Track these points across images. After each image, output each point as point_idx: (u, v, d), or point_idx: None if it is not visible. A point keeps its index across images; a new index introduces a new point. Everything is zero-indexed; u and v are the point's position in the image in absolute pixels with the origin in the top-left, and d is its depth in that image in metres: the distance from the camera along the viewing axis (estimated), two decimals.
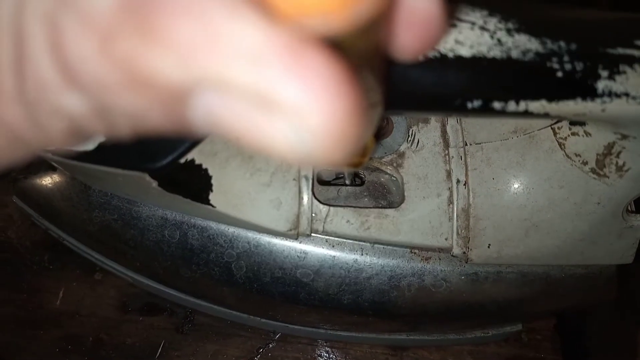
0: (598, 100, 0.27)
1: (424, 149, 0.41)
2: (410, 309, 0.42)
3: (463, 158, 0.39)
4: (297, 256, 0.40)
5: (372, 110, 0.20)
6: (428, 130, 0.41)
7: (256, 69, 0.10)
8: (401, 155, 0.41)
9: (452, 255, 0.40)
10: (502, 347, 0.49)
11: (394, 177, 0.41)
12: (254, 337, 0.51)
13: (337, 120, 0.10)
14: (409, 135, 0.41)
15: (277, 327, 0.50)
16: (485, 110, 0.27)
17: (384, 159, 0.41)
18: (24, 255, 0.53)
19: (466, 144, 0.40)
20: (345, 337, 0.49)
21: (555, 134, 0.37)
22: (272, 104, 0.10)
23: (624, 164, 0.34)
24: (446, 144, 0.40)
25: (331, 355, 0.49)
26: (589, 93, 0.27)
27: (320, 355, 0.49)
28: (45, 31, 0.11)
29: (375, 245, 0.40)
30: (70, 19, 0.11)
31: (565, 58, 0.27)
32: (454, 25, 0.26)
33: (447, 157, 0.40)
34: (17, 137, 0.12)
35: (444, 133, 0.41)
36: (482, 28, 0.26)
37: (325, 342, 0.50)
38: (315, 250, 0.40)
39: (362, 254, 0.40)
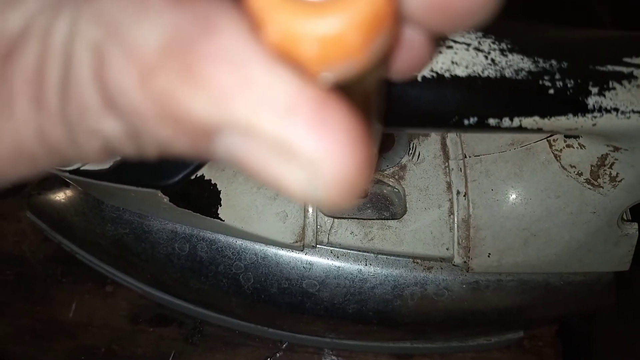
0: (589, 116, 0.28)
1: (425, 162, 0.42)
2: (413, 317, 0.43)
3: (463, 170, 0.41)
4: (303, 267, 0.42)
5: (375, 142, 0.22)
6: (428, 144, 0.42)
7: (282, 121, 0.11)
8: (403, 167, 0.42)
9: (454, 265, 0.41)
10: (505, 353, 0.50)
11: (396, 189, 0.43)
12: (261, 346, 0.52)
13: (349, 175, 0.11)
14: (410, 149, 0.43)
15: (284, 337, 0.51)
16: (481, 126, 0.28)
17: (386, 172, 0.42)
18: (38, 269, 0.54)
19: (465, 156, 0.41)
20: (350, 346, 0.50)
21: (551, 146, 0.38)
22: (292, 153, 0.11)
23: (617, 175, 0.35)
24: (446, 157, 0.42)
25: None
26: (580, 109, 0.28)
27: None
28: (91, 59, 0.12)
29: (379, 256, 0.42)
30: (116, 51, 0.12)
31: (557, 76, 0.28)
32: (450, 47, 0.27)
33: (447, 169, 0.41)
34: (55, 150, 0.13)
35: (444, 146, 0.42)
36: (477, 49, 0.27)
37: (332, 351, 0.51)
38: (320, 261, 0.41)
39: (366, 265, 0.41)
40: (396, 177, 0.42)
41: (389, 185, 0.43)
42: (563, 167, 0.37)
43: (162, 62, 0.11)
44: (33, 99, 0.12)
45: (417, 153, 0.42)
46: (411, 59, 0.16)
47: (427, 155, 0.42)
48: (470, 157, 0.41)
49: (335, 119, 0.11)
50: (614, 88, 0.29)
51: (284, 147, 0.11)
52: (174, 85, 0.11)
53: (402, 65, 0.16)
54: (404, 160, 0.42)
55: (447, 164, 0.41)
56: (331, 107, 0.11)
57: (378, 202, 0.43)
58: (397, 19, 0.12)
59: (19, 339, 0.51)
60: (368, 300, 0.42)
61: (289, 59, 0.11)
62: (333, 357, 0.50)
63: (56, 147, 0.13)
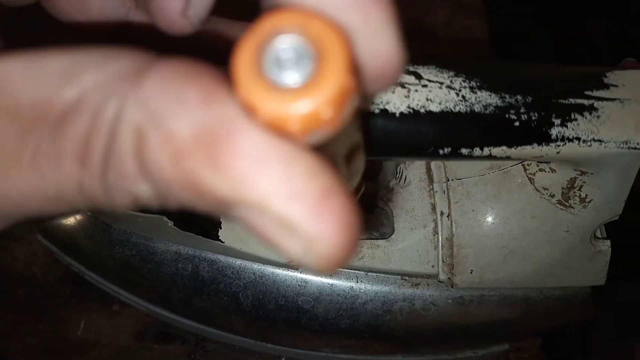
0: (552, 145, 0.31)
1: (411, 185, 0.45)
2: (403, 331, 0.45)
3: (446, 192, 0.43)
4: (298, 285, 0.44)
5: (358, 160, 0.25)
6: (414, 168, 0.45)
7: (289, 207, 0.13)
8: (390, 190, 0.45)
9: (439, 281, 0.43)
10: None
11: (384, 210, 0.45)
12: None
13: (338, 252, 0.14)
14: (397, 172, 0.45)
15: (282, 352, 0.52)
16: (455, 155, 0.31)
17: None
18: (48, 289, 0.54)
19: (448, 180, 0.43)
20: None
21: (525, 169, 0.40)
22: (293, 229, 0.13)
23: (586, 196, 0.38)
24: (430, 180, 0.44)
25: None
26: (544, 139, 0.31)
27: None
28: (133, 137, 0.14)
29: (369, 274, 0.44)
30: (154, 133, 0.13)
31: (522, 110, 0.31)
32: (424, 86, 0.30)
33: (431, 191, 0.44)
34: (91, 200, 0.15)
35: (428, 170, 0.45)
36: (449, 87, 0.30)
37: None
38: (314, 279, 0.44)
39: (357, 282, 0.44)
40: (384, 199, 0.45)
41: (379, 206, 0.46)
42: (537, 189, 0.40)
43: (192, 148, 0.13)
44: (78, 159, 0.14)
45: (403, 177, 0.45)
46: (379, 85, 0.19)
47: (413, 178, 0.45)
48: (452, 180, 0.43)
49: (332, 210, 0.13)
50: (575, 119, 0.32)
51: (288, 226, 0.13)
52: (200, 167, 0.13)
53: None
54: (391, 184, 0.45)
55: (431, 186, 0.44)
56: (330, 199, 0.13)
57: (369, 223, 0.46)
58: (359, 88, 0.15)
59: (30, 356, 0.52)
60: (360, 316, 0.44)
61: (279, 133, 0.14)
62: None
63: (92, 198, 0.15)
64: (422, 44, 0.69)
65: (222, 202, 0.14)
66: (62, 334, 0.53)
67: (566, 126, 0.31)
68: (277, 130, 0.14)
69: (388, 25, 0.15)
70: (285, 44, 0.14)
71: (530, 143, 0.31)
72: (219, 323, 0.50)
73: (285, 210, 0.13)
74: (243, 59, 0.13)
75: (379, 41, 0.15)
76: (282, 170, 0.13)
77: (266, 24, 0.14)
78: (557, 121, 0.31)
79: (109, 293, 0.52)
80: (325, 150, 0.15)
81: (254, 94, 0.13)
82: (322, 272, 0.14)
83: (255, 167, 0.13)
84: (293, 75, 0.13)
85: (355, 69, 0.14)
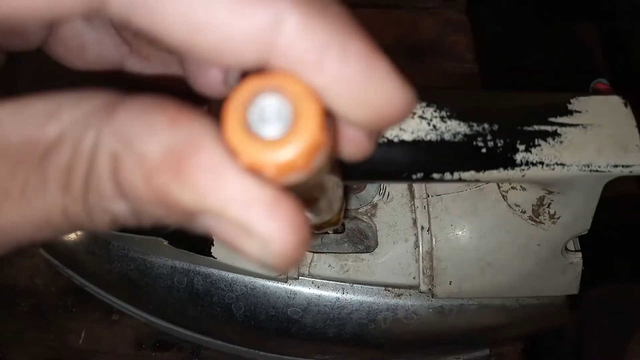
0: (517, 169, 0.33)
1: (394, 201, 0.47)
2: (387, 339, 0.47)
3: (426, 208, 0.45)
4: (287, 296, 0.46)
5: (335, 191, 0.27)
6: (397, 185, 0.47)
7: (244, 212, 0.15)
8: (374, 206, 0.47)
9: (420, 292, 0.45)
10: None
11: (369, 224, 0.48)
12: None
13: (289, 250, 0.16)
14: (380, 189, 0.47)
15: (274, 359, 0.53)
16: (427, 179, 0.33)
17: (360, 210, 0.47)
18: (50, 301, 0.56)
19: (428, 196, 0.45)
20: None
21: (499, 187, 0.42)
22: (249, 232, 0.15)
23: (555, 213, 0.40)
24: (412, 196, 0.46)
25: None
26: (509, 164, 0.33)
27: None
28: (110, 163, 0.15)
29: (354, 285, 0.46)
30: (128, 157, 0.15)
31: (489, 137, 0.33)
32: None
33: (413, 207, 0.46)
34: (74, 222, 0.17)
35: (410, 186, 0.46)
36: (421, 117, 0.33)
37: None
38: (302, 290, 0.45)
39: (343, 293, 0.46)
40: (369, 214, 0.47)
41: (363, 221, 0.48)
42: (510, 205, 0.42)
43: (161, 167, 0.15)
44: (62, 187, 0.16)
45: (387, 193, 0.47)
46: (354, 148, 0.21)
47: (395, 194, 0.47)
48: (432, 196, 0.45)
49: (282, 212, 0.15)
50: (539, 145, 0.34)
51: (245, 228, 0.15)
52: (168, 183, 0.15)
53: (350, 152, 0.21)
54: (375, 200, 0.47)
55: (413, 202, 0.46)
56: (279, 203, 0.15)
57: (354, 237, 0.48)
58: (330, 140, 0.18)
59: None
60: (346, 325, 0.46)
61: (256, 175, 0.16)
62: None
63: (75, 221, 0.16)
64: (410, 60, 0.71)
65: (189, 213, 0.16)
66: (65, 343, 0.55)
67: (530, 152, 0.33)
68: (256, 173, 0.16)
69: (376, 82, 0.17)
70: (269, 101, 0.16)
71: (496, 168, 0.33)
72: (213, 332, 0.52)
73: (242, 215, 0.15)
74: (232, 109, 0.16)
75: (369, 98, 0.17)
76: (237, 182, 0.15)
77: (255, 82, 0.16)
78: (522, 147, 0.33)
79: (108, 304, 0.54)
80: (303, 186, 0.18)
81: (238, 142, 0.15)
82: (278, 270, 0.17)
83: (215, 179, 0.15)
84: (273, 129, 0.15)
85: (326, 127, 0.16)
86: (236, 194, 0.15)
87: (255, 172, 0.15)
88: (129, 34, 0.27)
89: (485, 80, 0.70)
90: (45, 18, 0.16)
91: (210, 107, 0.26)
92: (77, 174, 0.16)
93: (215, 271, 0.46)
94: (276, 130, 0.15)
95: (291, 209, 0.16)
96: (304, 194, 0.23)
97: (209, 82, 0.23)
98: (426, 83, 0.68)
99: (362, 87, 0.17)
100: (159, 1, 0.15)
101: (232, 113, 0.16)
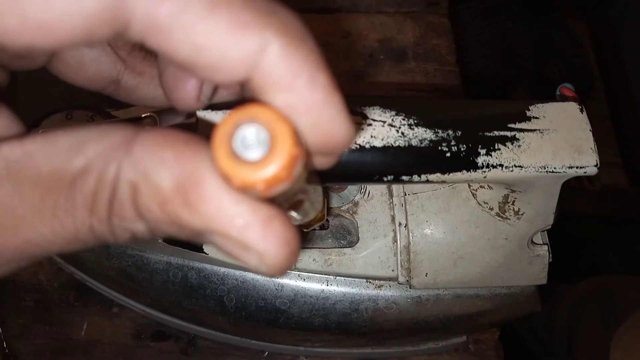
0: (479, 171, 0.36)
1: (374, 199, 0.49)
2: (369, 327, 0.50)
3: (404, 205, 0.47)
4: (275, 289, 0.48)
5: (316, 192, 0.31)
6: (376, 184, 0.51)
7: (242, 234, 0.18)
8: (356, 204, 0.50)
9: (399, 283, 0.48)
10: (453, 356, 0.56)
11: (351, 221, 0.51)
12: (246, 356, 0.56)
13: (281, 262, 0.19)
14: (361, 188, 0.50)
15: (264, 347, 0.56)
16: (397, 181, 0.36)
17: (342, 208, 0.50)
18: (53, 295, 0.58)
19: (406, 194, 0.47)
20: (321, 353, 0.56)
21: (469, 186, 0.45)
22: (248, 248, 0.18)
23: (519, 210, 0.43)
24: (390, 194, 0.49)
25: None
26: (472, 167, 0.36)
27: None
28: (129, 190, 0.18)
29: (338, 277, 0.48)
30: (145, 187, 0.17)
31: (453, 142, 0.35)
32: (370, 125, 0.35)
33: (391, 204, 0.48)
34: (99, 238, 0.19)
35: (389, 186, 0.49)
36: (391, 125, 0.35)
37: (306, 358, 0.56)
38: (289, 283, 0.48)
39: (327, 285, 0.48)
40: (350, 212, 0.50)
41: (346, 218, 0.51)
42: (479, 203, 0.45)
43: (173, 196, 0.18)
44: (88, 209, 0.18)
45: (367, 192, 0.50)
46: (318, 160, 0.24)
47: (375, 193, 0.49)
48: (409, 194, 0.47)
49: (273, 232, 0.18)
50: (499, 149, 0.36)
51: (244, 245, 0.18)
52: (180, 210, 0.18)
53: (316, 163, 0.24)
54: (356, 198, 0.50)
55: (391, 200, 0.49)
56: (271, 224, 0.18)
57: (337, 232, 0.51)
58: (304, 152, 0.20)
59: (39, 356, 0.55)
60: (330, 314, 0.49)
61: (247, 192, 0.18)
62: None
63: (100, 237, 0.19)
64: (394, 62, 0.74)
65: (198, 232, 0.18)
66: (68, 335, 0.57)
67: (490, 155, 0.36)
68: (249, 191, 0.18)
69: (331, 112, 0.20)
70: (248, 130, 0.18)
71: (460, 170, 0.36)
72: (207, 323, 0.55)
73: (241, 236, 0.18)
74: (218, 143, 0.18)
75: (338, 133, 0.20)
76: (234, 209, 0.18)
77: (233, 117, 0.18)
78: (483, 151, 0.36)
79: (108, 298, 0.57)
80: (289, 192, 0.21)
81: (228, 169, 0.18)
82: (273, 276, 0.21)
83: (217, 208, 0.18)
84: (256, 152, 0.18)
85: (299, 142, 0.19)
86: (235, 219, 0.18)
87: (248, 190, 0.18)
88: (124, 52, 0.30)
89: (466, 82, 0.73)
90: (76, 44, 0.18)
91: (199, 126, 0.30)
92: (101, 199, 0.18)
93: (207, 266, 0.48)
94: (259, 153, 0.18)
95: (281, 228, 0.19)
96: (290, 200, 0.27)
97: (183, 96, 0.26)
98: (409, 84, 0.72)
99: (319, 112, 0.20)
100: (172, 27, 0.18)
101: (219, 146, 0.18)
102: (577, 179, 0.40)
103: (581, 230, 1.44)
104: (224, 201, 0.18)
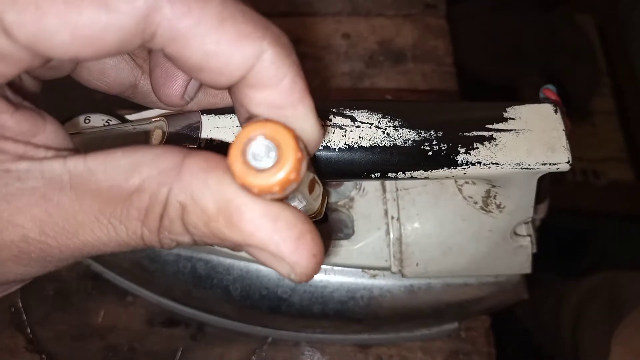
0: (459, 168, 0.38)
1: (368, 194, 0.52)
2: (364, 314, 0.53)
3: (396, 200, 0.50)
4: (277, 278, 0.51)
5: (318, 187, 0.35)
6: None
7: (277, 248, 0.21)
8: (352, 199, 0.52)
9: (392, 273, 0.50)
10: (446, 342, 0.58)
11: (347, 215, 0.54)
12: (251, 341, 0.58)
13: (310, 271, 0.21)
14: (357, 184, 0.53)
15: (268, 333, 0.58)
16: (384, 177, 0.39)
17: (339, 203, 0.53)
18: (72, 285, 0.60)
19: (398, 189, 0.50)
20: (321, 339, 0.59)
21: (456, 182, 0.48)
22: (282, 259, 0.21)
23: (500, 203, 0.46)
24: (384, 190, 0.51)
25: (312, 353, 0.58)
26: (452, 164, 0.38)
27: (303, 354, 0.58)
28: (179, 209, 0.20)
29: (335, 267, 0.51)
30: (193, 208, 0.20)
31: (434, 142, 0.38)
32: (358, 127, 0.39)
33: (384, 199, 0.51)
34: (147, 245, 0.21)
35: (382, 182, 0.52)
36: (377, 127, 0.38)
37: (307, 343, 0.58)
38: None
39: (325, 274, 0.51)
40: (347, 206, 0.53)
41: (343, 212, 0.54)
42: (465, 197, 0.48)
43: (216, 217, 0.20)
44: (141, 221, 0.20)
45: (362, 188, 0.52)
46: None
47: (369, 189, 0.52)
48: (401, 190, 0.50)
49: (304, 247, 0.21)
50: (477, 148, 0.38)
51: (278, 257, 0.21)
52: (222, 228, 0.20)
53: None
54: (352, 194, 0.52)
55: (384, 195, 0.51)
56: (302, 240, 0.21)
57: (335, 226, 0.55)
58: (306, 153, 0.23)
59: (60, 342, 0.58)
60: (328, 302, 0.52)
61: (264, 196, 0.22)
62: (308, 348, 0.58)
63: (148, 244, 0.21)
64: (393, 63, 0.77)
65: (237, 245, 0.21)
66: (86, 322, 0.59)
67: (469, 153, 0.38)
68: (267, 194, 0.22)
69: (304, 109, 0.24)
70: (255, 144, 0.22)
71: (441, 167, 0.38)
72: (214, 310, 0.57)
73: (276, 250, 0.21)
74: (234, 159, 0.21)
75: (307, 130, 0.24)
76: (271, 227, 0.21)
77: (244, 134, 0.22)
78: (462, 150, 0.38)
79: (123, 287, 0.59)
80: (296, 191, 0.24)
81: (247, 180, 0.21)
82: (301, 282, 0.24)
83: (256, 227, 0.21)
84: (266, 162, 0.22)
85: (301, 146, 0.22)
86: (271, 236, 0.21)
87: (266, 194, 0.22)
88: (141, 59, 0.34)
89: (461, 82, 0.75)
90: (112, 54, 0.21)
91: (202, 128, 0.33)
92: (153, 214, 0.21)
93: (214, 257, 0.51)
94: (270, 161, 0.22)
95: (312, 242, 0.21)
96: (298, 195, 0.31)
97: (170, 93, 0.30)
98: (407, 84, 0.75)
99: (295, 108, 0.24)
100: (189, 37, 0.21)
101: (235, 162, 0.22)
102: (583, 174, 0.43)
103: (587, 225, 1.45)
104: (263, 222, 0.21)
